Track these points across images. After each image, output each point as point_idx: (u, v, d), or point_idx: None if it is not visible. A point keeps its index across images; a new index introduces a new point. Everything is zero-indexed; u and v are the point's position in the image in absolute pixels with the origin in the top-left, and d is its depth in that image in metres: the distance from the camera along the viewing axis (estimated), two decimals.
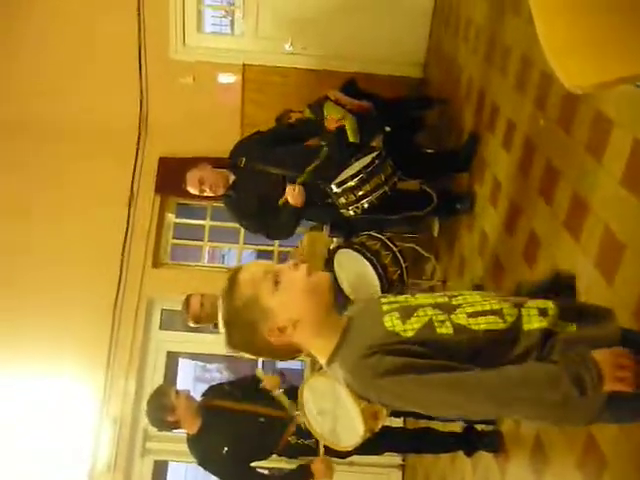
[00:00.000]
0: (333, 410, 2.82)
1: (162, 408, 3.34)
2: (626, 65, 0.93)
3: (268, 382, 3.43)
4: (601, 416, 1.36)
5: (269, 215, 3.83)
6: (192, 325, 3.67)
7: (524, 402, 1.33)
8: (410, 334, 1.39)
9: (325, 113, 4.61)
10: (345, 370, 1.42)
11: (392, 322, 1.41)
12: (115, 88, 6.12)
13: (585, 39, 0.95)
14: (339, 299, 3.54)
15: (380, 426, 2.81)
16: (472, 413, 1.43)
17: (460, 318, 1.41)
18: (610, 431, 2.33)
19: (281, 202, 3.76)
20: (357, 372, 1.39)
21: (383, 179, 3.65)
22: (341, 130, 4.32)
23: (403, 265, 3.36)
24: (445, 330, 1.39)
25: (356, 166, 3.63)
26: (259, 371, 3.53)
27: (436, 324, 1.40)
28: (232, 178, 3.90)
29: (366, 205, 3.66)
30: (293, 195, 3.67)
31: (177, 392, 3.40)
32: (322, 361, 1.48)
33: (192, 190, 3.90)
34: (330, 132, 4.03)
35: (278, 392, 3.36)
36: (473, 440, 3.57)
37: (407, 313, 1.42)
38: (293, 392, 3.17)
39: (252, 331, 1.46)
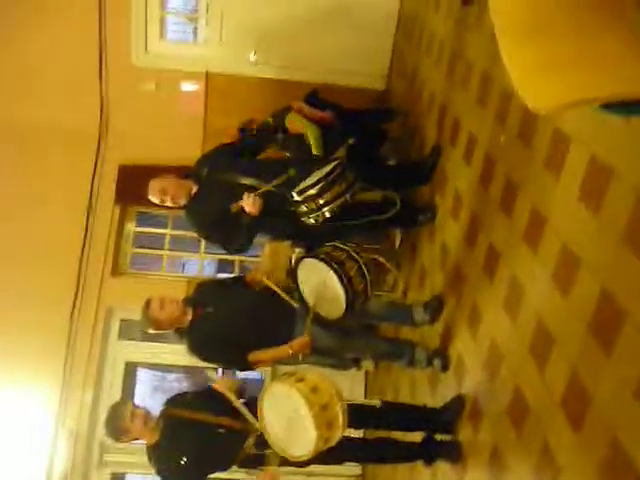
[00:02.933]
0: (289, 419, 2.82)
1: (118, 430, 3.30)
2: (587, 88, 0.96)
3: (220, 384, 3.36)
4: None
5: (228, 226, 3.80)
6: (152, 331, 3.61)
7: None
8: None
9: (287, 124, 4.62)
10: None
11: None
12: (75, 93, 6.03)
13: (547, 62, 0.97)
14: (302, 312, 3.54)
15: (337, 438, 2.82)
16: None
17: None
18: (566, 439, 2.38)
19: (234, 208, 3.72)
20: None
21: (344, 187, 3.65)
22: (302, 139, 4.35)
23: (368, 277, 3.36)
24: None
25: (317, 174, 3.64)
26: (211, 373, 3.46)
27: None
28: (195, 189, 3.88)
29: (327, 214, 3.66)
30: (249, 204, 3.65)
31: (133, 413, 3.29)
32: None
33: (154, 199, 3.87)
34: (291, 135, 4.04)
35: (239, 403, 3.33)
36: (432, 450, 3.60)
37: None
38: (253, 402, 3.15)
39: None
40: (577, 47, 0.94)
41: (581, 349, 2.37)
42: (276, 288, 3.63)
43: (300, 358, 3.44)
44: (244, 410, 3.26)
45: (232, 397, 3.26)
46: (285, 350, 3.43)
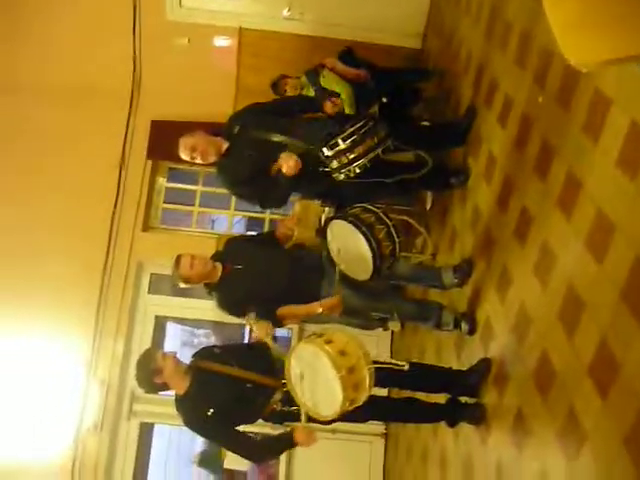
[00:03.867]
0: (316, 379, 2.84)
1: (150, 370, 3.36)
2: (632, 44, 0.92)
3: (259, 328, 3.39)
4: None
5: (262, 183, 3.80)
6: (182, 285, 3.66)
7: None
8: None
9: (322, 81, 4.57)
10: None
11: None
12: (108, 48, 6.03)
13: (592, 17, 0.94)
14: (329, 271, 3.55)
15: (363, 399, 2.84)
16: None
17: None
18: (593, 405, 2.37)
19: (274, 169, 3.72)
20: None
21: (376, 141, 3.60)
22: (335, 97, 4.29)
23: (396, 240, 3.33)
24: None
25: (349, 129, 3.60)
26: (250, 319, 3.47)
27: None
28: (225, 146, 3.87)
29: (358, 170, 3.63)
30: (289, 165, 3.63)
31: (164, 354, 3.40)
32: None
33: (184, 156, 3.87)
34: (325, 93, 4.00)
35: (273, 346, 3.34)
36: (456, 411, 3.62)
37: None
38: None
39: None
40: (622, 2, 0.90)
41: (612, 316, 2.34)
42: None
43: (337, 316, 3.46)
44: (280, 353, 3.28)
45: (270, 343, 3.30)
46: (315, 308, 3.44)
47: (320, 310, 3.41)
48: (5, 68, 5.98)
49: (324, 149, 3.62)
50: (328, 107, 3.95)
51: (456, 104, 4.79)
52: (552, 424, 2.65)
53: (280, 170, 3.67)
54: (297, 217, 3.79)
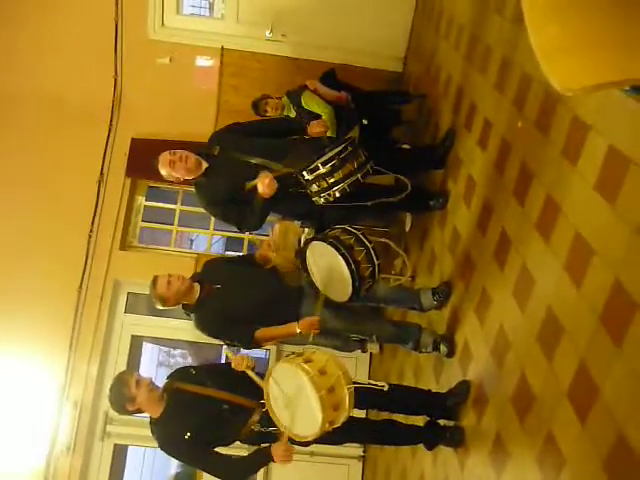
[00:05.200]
0: (295, 399, 2.81)
1: (123, 397, 3.29)
2: (618, 69, 0.93)
3: (236, 362, 3.32)
4: None
5: (239, 205, 3.78)
6: (159, 307, 3.61)
7: None
8: None
9: (303, 103, 4.58)
10: None
11: None
12: (89, 65, 6.01)
13: (578, 42, 0.94)
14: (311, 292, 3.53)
15: (342, 420, 2.82)
16: None
17: None
18: (572, 429, 2.37)
19: (248, 186, 3.69)
20: None
21: (356, 166, 3.61)
22: (316, 119, 4.30)
23: (376, 262, 3.33)
24: None
25: (329, 153, 3.60)
26: (228, 352, 3.41)
27: None
28: (205, 166, 3.85)
29: (337, 194, 3.63)
30: (264, 185, 3.62)
31: (138, 381, 3.30)
32: None
33: (163, 171, 3.84)
34: (306, 115, 3.99)
35: (260, 380, 3.26)
36: (435, 434, 3.60)
37: None
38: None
39: None
40: (607, 27, 0.91)
41: (590, 340, 2.35)
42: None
43: (310, 338, 3.40)
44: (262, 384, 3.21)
45: (253, 375, 3.22)
46: (293, 328, 3.41)
47: (298, 330, 3.38)
48: None
49: (304, 173, 3.61)
50: (315, 128, 3.94)
51: (436, 127, 4.83)
52: (531, 448, 2.64)
53: (255, 189, 3.65)
54: (273, 242, 3.76)
